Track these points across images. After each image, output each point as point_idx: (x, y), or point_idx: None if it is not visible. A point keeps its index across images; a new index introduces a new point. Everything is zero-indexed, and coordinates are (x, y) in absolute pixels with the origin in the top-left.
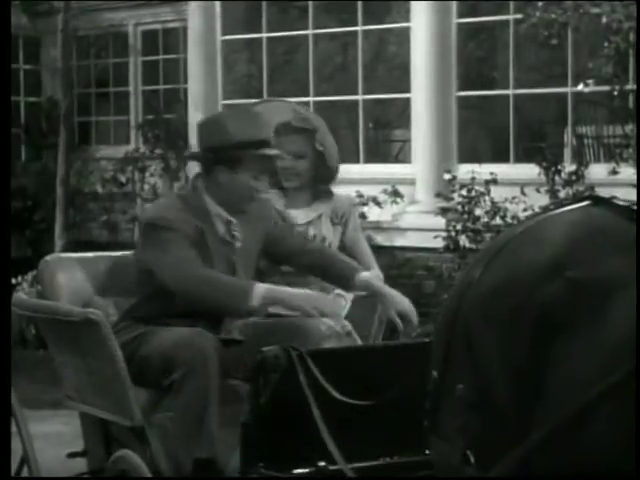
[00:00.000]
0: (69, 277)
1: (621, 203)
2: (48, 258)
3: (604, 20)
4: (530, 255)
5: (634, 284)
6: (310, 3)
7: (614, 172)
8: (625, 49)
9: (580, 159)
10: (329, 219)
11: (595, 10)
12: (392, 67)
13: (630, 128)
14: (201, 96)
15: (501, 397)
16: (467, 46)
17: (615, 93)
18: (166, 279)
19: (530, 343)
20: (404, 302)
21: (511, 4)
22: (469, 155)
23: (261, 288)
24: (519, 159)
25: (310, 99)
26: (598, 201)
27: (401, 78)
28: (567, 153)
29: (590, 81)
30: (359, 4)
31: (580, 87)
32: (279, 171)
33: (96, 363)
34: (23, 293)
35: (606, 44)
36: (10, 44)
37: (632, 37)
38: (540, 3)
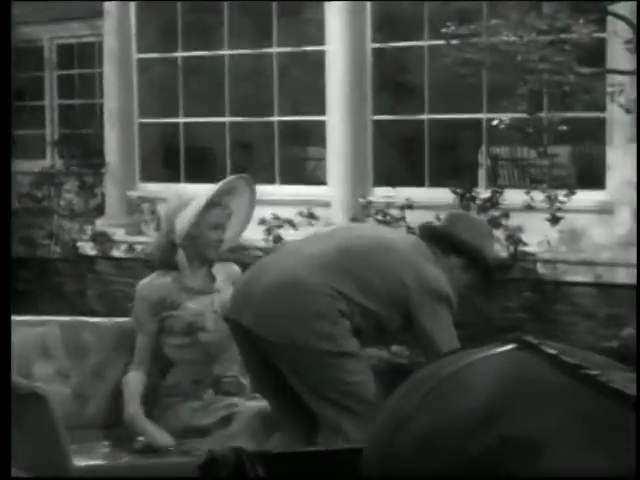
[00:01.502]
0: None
1: (548, 350)
2: None
3: (519, 59)
4: (459, 406)
5: (565, 440)
6: (225, 15)
7: (530, 207)
8: (539, 89)
9: (494, 180)
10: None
11: (510, 48)
12: (308, 67)
13: (545, 161)
14: (117, 113)
15: None
16: (382, 70)
17: (530, 130)
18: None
19: None
20: None
21: (426, 30)
22: (384, 178)
23: None
24: (434, 183)
25: (226, 119)
26: (524, 344)
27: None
28: (481, 174)
29: (505, 118)
30: (274, 21)
31: (495, 123)
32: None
33: (38, 436)
34: None
35: (521, 84)
36: (10, 48)
37: (546, 77)
38: (454, 41)
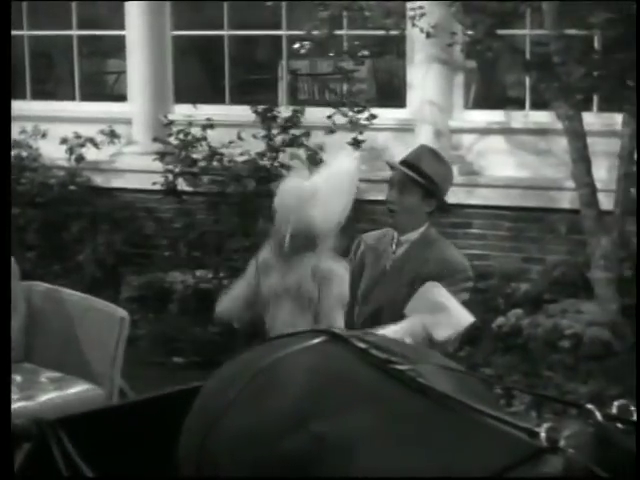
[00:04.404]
0: None
1: (358, 344)
2: None
3: None
4: (272, 404)
5: (377, 436)
6: None
7: (332, 131)
8: (339, 13)
9: (295, 95)
10: None
11: None
12: None
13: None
14: None
15: None
16: None
17: (331, 54)
18: None
19: None
20: None
21: None
22: (185, 95)
23: None
24: (235, 100)
25: (24, 32)
26: (334, 337)
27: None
28: (282, 89)
29: (306, 43)
30: None
31: (296, 46)
32: None
33: None
34: None
35: (321, 8)
36: (10, 47)
37: (346, 2)
38: None
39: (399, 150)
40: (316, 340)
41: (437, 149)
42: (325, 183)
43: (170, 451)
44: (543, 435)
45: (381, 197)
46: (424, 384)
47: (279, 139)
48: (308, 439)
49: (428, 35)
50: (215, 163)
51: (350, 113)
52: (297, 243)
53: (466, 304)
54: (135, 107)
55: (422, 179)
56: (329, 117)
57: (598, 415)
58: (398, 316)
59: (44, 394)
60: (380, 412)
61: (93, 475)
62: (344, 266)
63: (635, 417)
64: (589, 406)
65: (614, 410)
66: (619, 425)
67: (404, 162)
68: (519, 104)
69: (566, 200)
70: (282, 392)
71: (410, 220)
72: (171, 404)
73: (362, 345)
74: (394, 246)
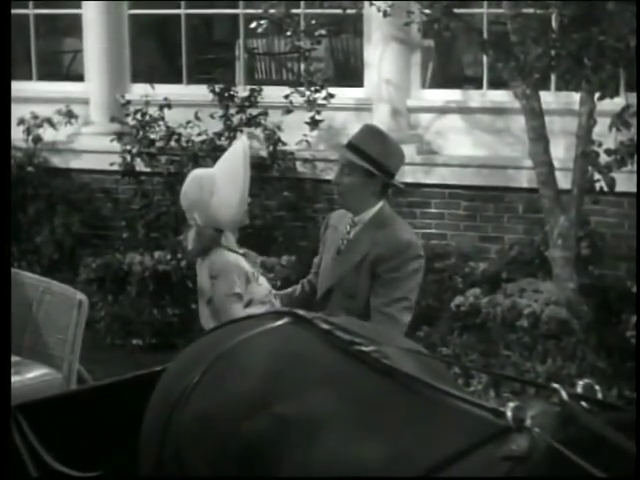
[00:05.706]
0: None
1: (322, 325)
2: None
3: None
4: (234, 386)
5: (340, 417)
6: None
7: (289, 111)
8: None
9: (252, 74)
10: None
11: None
12: None
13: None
14: None
15: None
16: None
17: (288, 33)
18: None
19: (238, 475)
20: None
21: None
22: (143, 75)
23: None
24: (192, 80)
25: None
26: (297, 319)
27: None
28: (239, 68)
29: (263, 22)
30: None
31: (253, 25)
32: None
33: None
34: None
35: None
36: (10, 46)
37: None
38: None
39: (357, 129)
40: (279, 322)
41: (381, 127)
42: (220, 171)
43: (130, 436)
44: (509, 414)
45: None
46: (389, 365)
47: (237, 119)
48: (270, 421)
49: (385, 14)
50: (173, 143)
51: (307, 92)
52: (205, 238)
53: (419, 285)
54: (92, 87)
55: (362, 160)
56: (286, 97)
57: (564, 394)
58: (346, 297)
59: None
60: (343, 394)
61: (52, 460)
62: (237, 260)
63: (600, 396)
64: (555, 385)
65: (579, 389)
66: (584, 404)
67: (348, 144)
68: (477, 83)
69: (524, 179)
70: (244, 375)
71: (358, 200)
72: (131, 389)
73: (326, 326)
74: (349, 227)
